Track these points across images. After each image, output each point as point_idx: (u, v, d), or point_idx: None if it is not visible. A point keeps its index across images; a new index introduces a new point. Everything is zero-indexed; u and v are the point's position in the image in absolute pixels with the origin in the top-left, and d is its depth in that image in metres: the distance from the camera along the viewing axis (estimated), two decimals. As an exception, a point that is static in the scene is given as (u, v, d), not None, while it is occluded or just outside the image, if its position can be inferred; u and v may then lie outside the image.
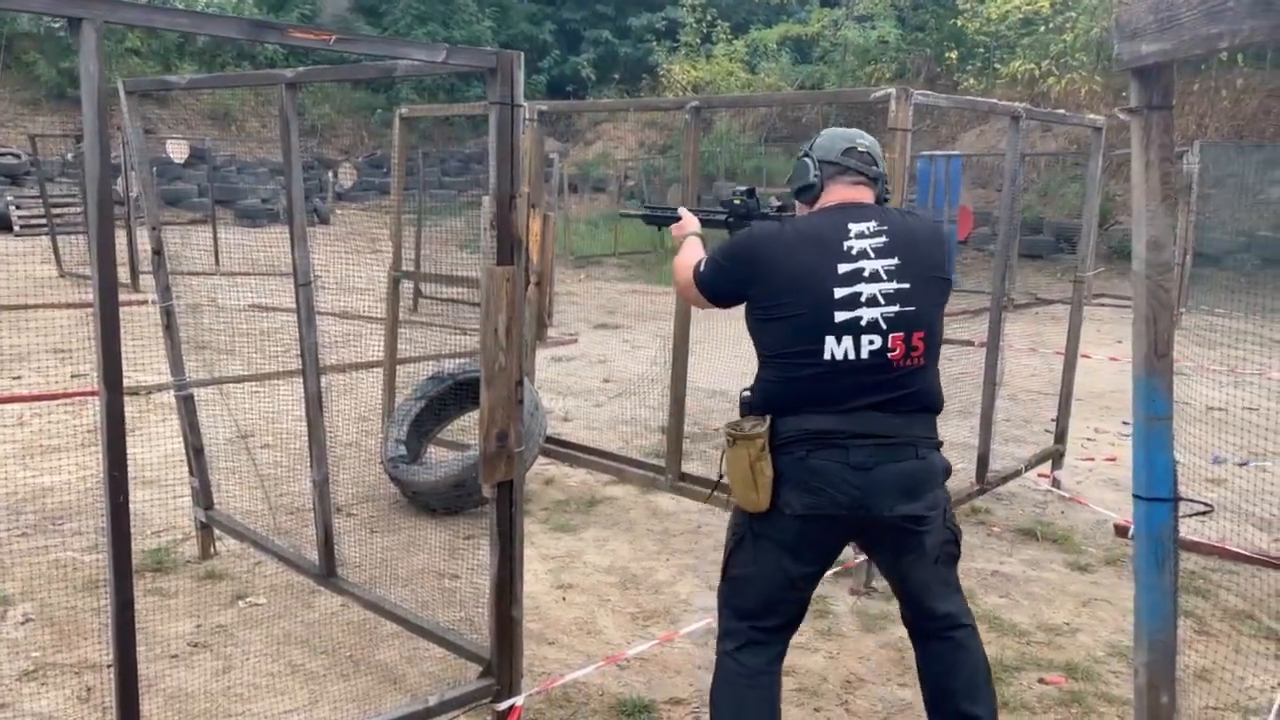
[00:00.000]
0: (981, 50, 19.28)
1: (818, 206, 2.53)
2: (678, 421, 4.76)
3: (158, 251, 3.78)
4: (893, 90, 3.71)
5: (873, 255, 2.36)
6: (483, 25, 24.69)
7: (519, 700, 2.85)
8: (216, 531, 4.09)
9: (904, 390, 2.36)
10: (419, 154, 15.64)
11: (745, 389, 2.51)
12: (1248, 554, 4.24)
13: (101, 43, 1.97)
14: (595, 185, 21.73)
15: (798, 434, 2.36)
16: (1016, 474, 5.06)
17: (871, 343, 2.33)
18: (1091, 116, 5.39)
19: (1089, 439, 6.38)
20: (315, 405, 3.35)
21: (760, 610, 2.47)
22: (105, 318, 2.04)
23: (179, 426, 4.04)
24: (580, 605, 3.82)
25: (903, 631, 3.60)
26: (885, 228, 2.40)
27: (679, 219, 3.00)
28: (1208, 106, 15.94)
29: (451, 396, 5.14)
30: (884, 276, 2.35)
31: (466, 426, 5.29)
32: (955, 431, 4.79)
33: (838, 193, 2.51)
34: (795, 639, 3.53)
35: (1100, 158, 5.23)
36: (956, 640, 2.51)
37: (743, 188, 3.02)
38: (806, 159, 2.56)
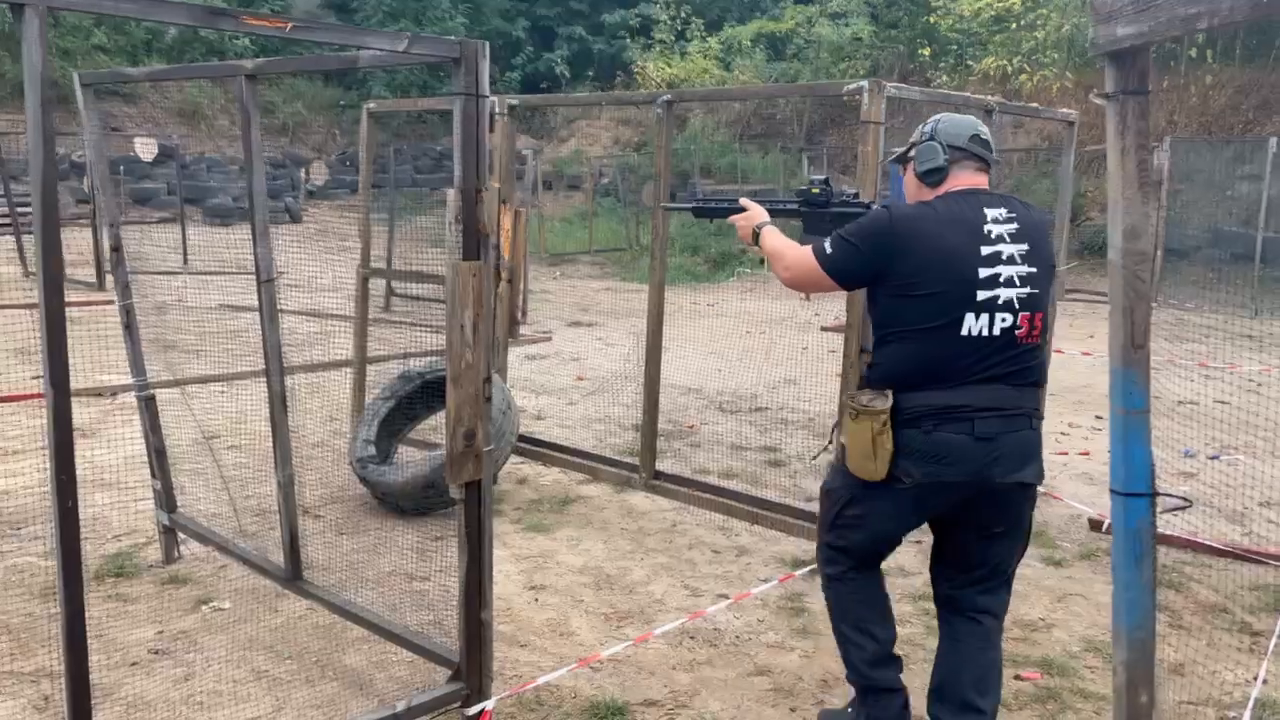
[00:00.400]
0: (954, 47, 19.39)
1: (943, 190, 2.59)
2: (652, 419, 4.72)
3: (116, 249, 3.69)
4: (866, 83, 3.70)
5: (1008, 240, 2.49)
6: (455, 22, 24.51)
7: (489, 704, 2.80)
8: (180, 535, 4.00)
9: (1023, 365, 2.51)
10: (390, 151, 15.50)
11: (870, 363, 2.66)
12: (1221, 547, 4.25)
13: (45, 29, 1.90)
14: (569, 183, 21.65)
15: (924, 409, 2.47)
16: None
17: (1003, 320, 2.46)
18: (1065, 111, 5.38)
19: (1063, 433, 6.40)
20: (279, 404, 3.27)
21: (864, 554, 2.72)
22: (50, 314, 1.96)
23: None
24: (553, 606, 3.77)
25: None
26: (1015, 215, 2.53)
27: (742, 209, 2.98)
28: (1177, 103, 16.09)
29: (421, 395, 5.06)
30: (1018, 260, 2.48)
31: (437, 426, 5.21)
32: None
33: (963, 178, 2.60)
34: (770, 638, 3.52)
35: (1073, 153, 5.22)
36: (986, 628, 2.63)
37: (819, 176, 2.99)
38: (934, 143, 2.61)
